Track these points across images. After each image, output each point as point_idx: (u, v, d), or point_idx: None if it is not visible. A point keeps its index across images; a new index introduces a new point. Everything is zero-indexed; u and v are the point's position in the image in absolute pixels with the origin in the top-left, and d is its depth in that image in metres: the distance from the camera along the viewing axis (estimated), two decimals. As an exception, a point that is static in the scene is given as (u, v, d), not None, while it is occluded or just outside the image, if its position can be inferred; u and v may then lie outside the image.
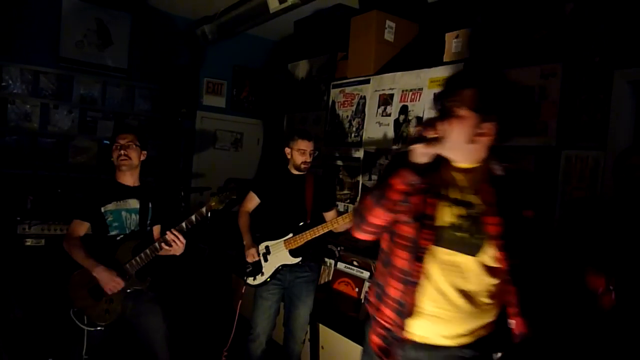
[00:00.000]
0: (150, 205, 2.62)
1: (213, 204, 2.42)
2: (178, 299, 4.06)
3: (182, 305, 4.09)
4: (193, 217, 2.43)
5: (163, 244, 2.43)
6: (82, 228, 2.53)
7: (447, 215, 1.54)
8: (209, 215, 2.45)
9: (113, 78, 5.13)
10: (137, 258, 2.45)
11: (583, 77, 2.74)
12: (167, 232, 2.42)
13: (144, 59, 5.28)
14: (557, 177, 2.80)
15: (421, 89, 3.67)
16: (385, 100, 3.97)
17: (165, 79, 5.33)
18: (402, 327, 1.58)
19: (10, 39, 4.56)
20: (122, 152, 2.53)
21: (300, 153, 2.93)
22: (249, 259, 2.93)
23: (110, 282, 2.38)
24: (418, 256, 1.55)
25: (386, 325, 1.64)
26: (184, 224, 2.44)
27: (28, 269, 3.86)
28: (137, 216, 2.58)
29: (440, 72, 3.52)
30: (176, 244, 2.42)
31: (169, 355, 2.52)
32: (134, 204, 2.58)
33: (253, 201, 3.07)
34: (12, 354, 3.15)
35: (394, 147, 3.83)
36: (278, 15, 4.14)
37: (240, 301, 3.06)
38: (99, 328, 2.39)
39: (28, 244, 4.02)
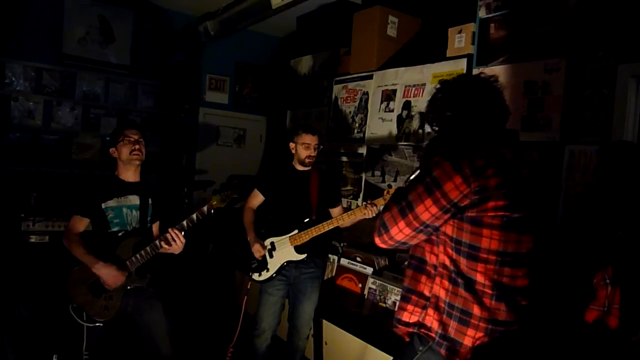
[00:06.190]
0: (150, 202, 2.62)
1: (214, 202, 2.42)
2: (183, 296, 4.07)
3: (187, 302, 4.11)
4: (194, 216, 2.43)
5: (163, 243, 2.43)
6: (82, 224, 2.51)
7: None
8: (212, 212, 2.45)
9: (116, 75, 5.14)
10: (138, 255, 2.45)
11: (587, 72, 2.73)
12: (169, 229, 2.43)
13: (147, 56, 5.28)
14: (561, 172, 2.80)
15: (424, 85, 3.66)
16: (388, 96, 3.96)
17: (168, 76, 5.33)
18: None
19: (14, 37, 4.57)
20: (137, 147, 2.53)
21: (304, 147, 2.92)
22: (257, 255, 2.93)
23: (111, 277, 2.38)
24: None
25: None
26: (185, 222, 2.44)
27: (32, 265, 3.88)
28: (138, 212, 2.57)
29: (444, 67, 3.51)
30: (176, 243, 2.43)
31: (171, 349, 2.52)
32: (135, 200, 2.57)
33: (257, 198, 3.07)
34: (17, 350, 3.17)
35: (398, 143, 3.83)
36: (280, 11, 4.13)
37: (245, 297, 3.06)
38: (97, 324, 2.40)
39: (32, 240, 4.04)
